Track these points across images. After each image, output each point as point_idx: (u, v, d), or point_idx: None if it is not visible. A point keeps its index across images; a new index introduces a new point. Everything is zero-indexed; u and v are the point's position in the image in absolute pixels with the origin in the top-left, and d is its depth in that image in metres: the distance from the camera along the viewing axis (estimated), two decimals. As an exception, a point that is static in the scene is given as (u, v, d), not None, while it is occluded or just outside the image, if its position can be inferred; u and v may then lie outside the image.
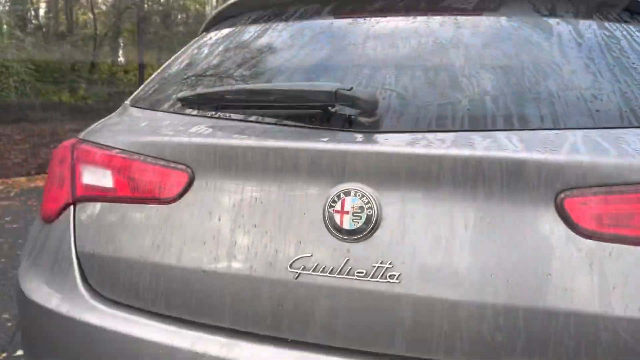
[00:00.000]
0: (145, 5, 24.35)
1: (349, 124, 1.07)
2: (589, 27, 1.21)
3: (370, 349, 0.98)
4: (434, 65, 1.15)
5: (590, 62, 1.10)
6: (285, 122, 1.12)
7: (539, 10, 1.28)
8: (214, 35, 1.60)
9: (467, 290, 0.92)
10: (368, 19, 1.36)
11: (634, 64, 1.13)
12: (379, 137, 1.03)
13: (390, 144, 1.01)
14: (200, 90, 1.31)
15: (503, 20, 1.26)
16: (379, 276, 0.96)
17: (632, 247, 0.88)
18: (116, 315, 1.13)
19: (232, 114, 1.19)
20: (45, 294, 1.23)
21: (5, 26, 14.51)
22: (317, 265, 1.00)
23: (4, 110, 9.53)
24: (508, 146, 0.96)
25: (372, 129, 1.04)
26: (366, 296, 0.98)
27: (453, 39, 1.21)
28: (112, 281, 1.15)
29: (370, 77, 1.14)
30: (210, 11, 26.12)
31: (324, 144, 1.02)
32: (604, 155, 0.93)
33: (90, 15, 22.26)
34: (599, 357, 0.86)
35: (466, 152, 0.95)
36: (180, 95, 1.26)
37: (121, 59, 25.20)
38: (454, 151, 0.96)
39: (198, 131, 1.16)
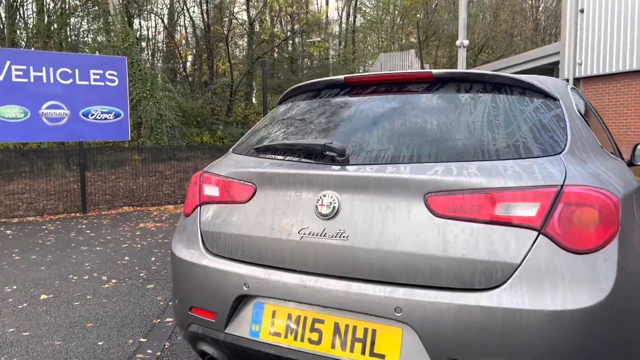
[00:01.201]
0: (275, 54, 26.88)
1: (330, 161, 2.03)
2: (481, 100, 2.06)
3: (334, 273, 1.90)
4: (379, 127, 2.08)
5: (469, 123, 1.95)
6: (301, 159, 2.11)
7: (456, 92, 2.15)
8: (281, 107, 2.65)
9: (379, 243, 1.82)
10: (359, 97, 2.32)
11: (498, 124, 1.96)
12: (343, 167, 1.99)
13: (346, 171, 1.96)
14: (264, 143, 2.35)
15: (432, 98, 2.15)
16: (339, 237, 1.90)
17: (458, 222, 1.73)
18: (216, 261, 2.16)
19: (277, 156, 2.21)
20: (184, 253, 2.32)
21: (160, 80, 17.00)
22: (310, 232, 1.96)
23: (158, 151, 11.55)
24: (402, 172, 1.85)
25: (341, 163, 2.00)
26: (333, 247, 1.92)
27: (395, 110, 2.13)
28: (216, 244, 2.20)
29: (350, 133, 2.11)
30: (331, 57, 28.01)
31: (316, 171, 2.00)
32: (448, 176, 1.79)
33: (228, 64, 25.00)
34: (441, 276, 1.70)
35: (381, 174, 1.87)
36: (254, 146, 2.33)
37: (254, 101, 27.89)
38: (376, 174, 1.88)
39: (260, 165, 2.20)
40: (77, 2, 22.85)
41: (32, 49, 19.64)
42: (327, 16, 32.52)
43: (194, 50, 27.54)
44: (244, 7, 26.38)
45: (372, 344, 1.74)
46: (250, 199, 2.12)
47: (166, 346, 3.21)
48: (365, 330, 1.77)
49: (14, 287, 4.51)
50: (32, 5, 22.93)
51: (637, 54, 13.94)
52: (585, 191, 1.66)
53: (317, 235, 1.90)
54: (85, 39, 23.78)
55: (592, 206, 1.65)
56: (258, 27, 27.01)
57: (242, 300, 2.02)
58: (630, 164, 3.78)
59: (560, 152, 1.82)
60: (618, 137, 14.59)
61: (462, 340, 1.62)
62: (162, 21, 26.40)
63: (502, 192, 1.68)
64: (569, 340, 1.57)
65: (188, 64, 29.15)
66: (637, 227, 1.82)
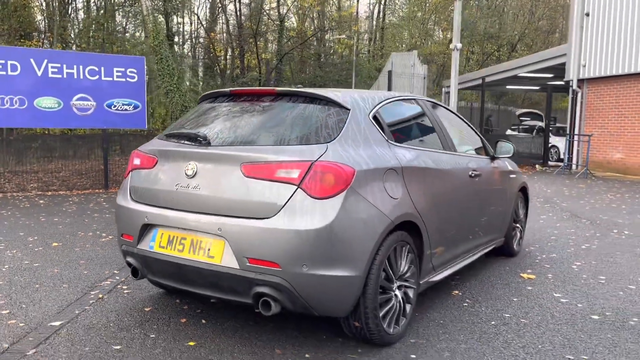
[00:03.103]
0: (303, 51, 28.18)
1: (198, 143, 3.21)
2: (297, 108, 3.20)
3: (192, 209, 3.05)
4: (233, 123, 3.27)
5: (281, 122, 3.12)
6: (184, 142, 3.33)
7: (285, 102, 3.29)
8: (197, 107, 3.86)
9: (215, 192, 2.99)
10: (236, 103, 3.50)
11: (299, 123, 3.12)
12: (203, 147, 3.17)
13: (203, 149, 3.15)
14: (170, 131, 3.58)
15: (270, 105, 3.31)
16: (195, 188, 3.09)
17: (257, 180, 2.89)
18: (134, 204, 3.39)
19: (173, 139, 3.43)
20: (121, 200, 3.57)
21: (201, 74, 18.46)
22: (181, 186, 3.17)
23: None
24: (231, 150, 3.01)
25: (204, 145, 3.18)
26: (192, 195, 3.09)
27: (247, 113, 3.32)
28: (135, 193, 3.43)
29: (219, 126, 3.31)
30: (355, 54, 28.99)
31: (186, 149, 3.21)
32: (254, 153, 2.95)
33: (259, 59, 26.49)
34: (244, 210, 2.87)
35: (219, 151, 3.05)
36: (165, 133, 3.57)
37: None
38: (217, 151, 3.06)
39: (162, 145, 3.43)
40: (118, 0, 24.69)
41: (75, 45, 21.49)
42: (356, 13, 33.45)
43: (227, 46, 29.02)
44: (275, 3, 27.70)
45: (209, 250, 2.97)
46: (154, 166, 3.36)
47: (129, 276, 4.53)
48: (207, 242, 2.99)
49: (35, 238, 5.95)
50: (79, 3, 24.94)
51: (635, 57, 14.52)
52: (328, 164, 2.84)
53: (184, 187, 3.13)
54: (126, 34, 25.62)
55: (330, 173, 2.82)
56: (288, 24, 28.31)
57: (146, 228, 3.27)
58: (493, 157, 4.85)
59: (329, 142, 2.99)
60: (616, 138, 15.23)
61: (253, 247, 2.82)
62: (198, 18, 28.03)
63: (280, 163, 2.87)
64: (310, 245, 2.74)
65: (225, 58, 30.67)
66: (372, 189, 2.98)
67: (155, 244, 3.19)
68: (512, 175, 5.18)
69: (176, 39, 27.07)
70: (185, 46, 29.25)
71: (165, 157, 3.32)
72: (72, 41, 25.19)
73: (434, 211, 3.58)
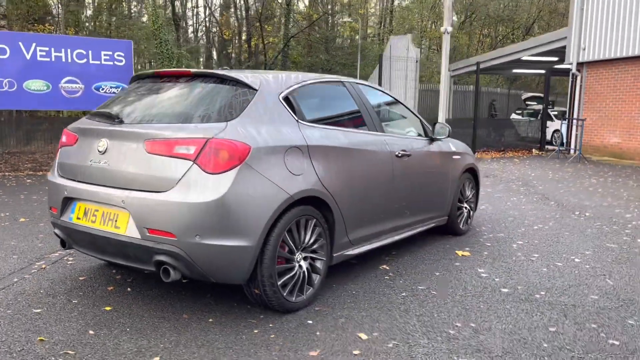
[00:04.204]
0: (310, 34, 28.20)
1: (112, 121, 3.41)
2: (208, 88, 3.39)
3: (103, 183, 3.25)
4: (148, 102, 3.47)
5: (190, 101, 3.32)
6: (101, 120, 3.54)
7: (199, 82, 3.45)
8: (128, 86, 4.07)
9: (120, 167, 3.14)
10: (158, 84, 3.68)
11: (205, 102, 3.31)
12: (114, 125, 3.37)
13: (113, 127, 3.35)
14: (97, 109, 3.80)
15: (185, 86, 3.49)
16: (105, 164, 3.30)
17: (157, 156, 3.09)
18: (59, 179, 3.62)
19: (96, 117, 3.64)
20: (50, 175, 3.81)
21: (202, 59, 18.60)
22: (94, 161, 3.37)
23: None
24: (137, 128, 3.22)
25: (117, 123, 3.38)
26: (103, 169, 3.26)
27: (162, 92, 3.52)
28: (60, 169, 3.66)
29: (135, 104, 3.52)
30: (360, 37, 28.85)
31: (100, 127, 3.41)
32: (157, 130, 3.16)
33: (267, 43, 26.60)
34: (145, 184, 3.10)
35: (126, 129, 3.26)
36: (91, 112, 3.79)
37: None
38: (124, 128, 3.26)
39: (83, 123, 3.64)
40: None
41: (87, 29, 21.82)
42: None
43: (236, 30, 29.15)
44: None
45: (115, 221, 3.20)
46: (75, 143, 3.59)
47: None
48: (114, 214, 3.22)
49: (7, 214, 6.27)
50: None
51: (632, 41, 14.36)
52: (223, 141, 3.03)
53: (97, 163, 3.35)
54: (130, 19, 25.93)
55: (224, 150, 3.02)
56: (295, 7, 28.30)
57: (67, 201, 3.52)
58: (432, 139, 5.00)
59: (229, 120, 3.18)
60: (614, 122, 15.12)
61: (152, 218, 3.04)
62: (206, 2, 28.18)
63: (178, 140, 3.08)
64: (202, 217, 2.95)
65: (232, 42, 30.83)
66: (270, 165, 3.17)
67: (74, 216, 3.43)
68: (455, 157, 5.32)
69: (183, 24, 27.29)
70: (196, 31, 29.55)
71: (83, 135, 3.54)
72: (83, 25, 25.62)
73: (347, 188, 3.77)
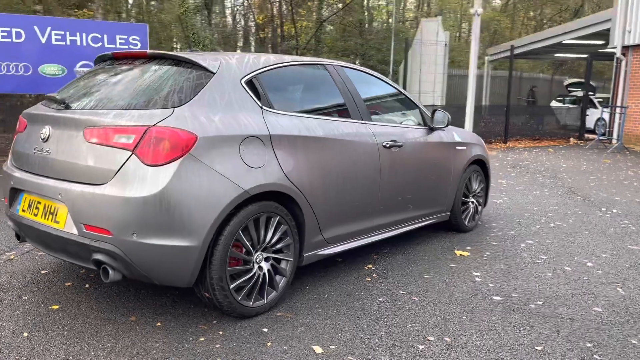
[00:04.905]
0: (343, 18, 27.50)
1: (59, 107, 3.16)
2: (159, 70, 3.07)
3: (44, 174, 2.99)
4: (97, 86, 3.20)
5: (139, 85, 3.02)
6: (50, 106, 3.28)
7: (153, 64, 3.15)
8: (91, 68, 3.80)
9: (60, 155, 2.87)
10: (117, 66, 3.40)
11: (154, 86, 3.01)
12: (59, 111, 3.11)
13: (56, 113, 3.08)
14: (51, 94, 3.56)
15: (138, 68, 3.19)
16: (47, 152, 3.05)
17: (96, 145, 2.80)
18: (10, 168, 3.41)
19: (51, 103, 3.39)
20: (5, 165, 3.60)
21: (253, 43, 18.38)
22: (37, 149, 3.01)
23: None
24: (78, 114, 2.95)
25: (63, 109, 3.12)
26: (45, 158, 2.94)
27: (117, 75, 3.23)
28: (13, 158, 3.45)
29: (88, 88, 3.25)
30: (395, 21, 27.95)
31: (45, 112, 3.16)
32: (96, 117, 2.87)
33: (299, 27, 26.11)
34: (83, 176, 2.81)
35: (66, 115, 2.98)
36: (48, 95, 3.56)
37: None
38: (64, 114, 2.99)
39: (34, 109, 3.40)
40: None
41: (126, 14, 21.94)
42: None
43: (266, 13, 28.84)
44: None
45: (55, 215, 2.96)
46: (25, 129, 3.36)
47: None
48: (54, 207, 2.98)
49: None
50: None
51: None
52: (164, 129, 2.74)
53: (39, 151, 3.11)
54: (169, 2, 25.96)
55: (165, 139, 2.72)
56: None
57: (15, 192, 3.30)
58: (432, 128, 4.60)
59: (177, 106, 2.88)
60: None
61: (89, 213, 2.78)
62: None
63: (117, 128, 2.80)
64: (139, 213, 2.67)
65: (264, 27, 30.55)
66: (221, 157, 2.86)
67: (20, 208, 3.22)
68: (459, 147, 4.88)
69: (216, 9, 27.12)
70: (234, 15, 29.36)
71: (31, 121, 3.31)
72: (122, 10, 25.81)
73: (321, 183, 3.43)
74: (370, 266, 4.08)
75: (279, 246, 3.22)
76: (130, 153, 2.74)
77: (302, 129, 3.35)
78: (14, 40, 9.43)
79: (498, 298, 3.49)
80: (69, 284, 3.58)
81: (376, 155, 3.87)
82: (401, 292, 3.57)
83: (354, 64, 25.60)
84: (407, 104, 4.62)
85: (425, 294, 3.55)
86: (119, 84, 3.20)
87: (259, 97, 3.24)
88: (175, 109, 2.86)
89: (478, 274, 3.96)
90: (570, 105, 19.02)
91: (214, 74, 3.10)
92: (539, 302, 3.43)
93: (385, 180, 3.97)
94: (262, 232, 3.10)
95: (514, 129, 14.97)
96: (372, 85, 4.35)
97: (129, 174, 2.72)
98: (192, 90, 2.99)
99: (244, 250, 3.03)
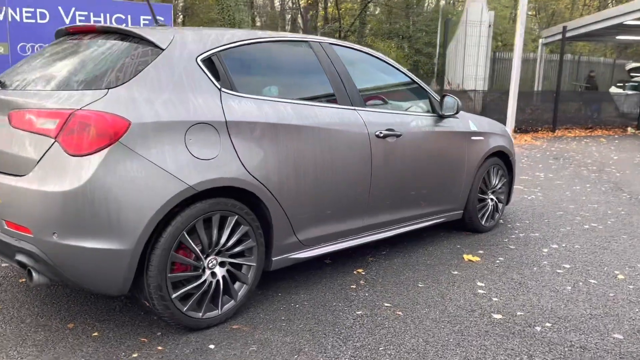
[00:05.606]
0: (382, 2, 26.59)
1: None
2: (105, 45, 2.68)
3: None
4: (40, 65, 2.84)
5: (78, 63, 2.63)
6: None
7: (101, 39, 2.76)
8: (49, 44, 3.45)
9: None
10: (70, 41, 3.03)
11: (93, 65, 2.59)
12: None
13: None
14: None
15: (87, 43, 2.80)
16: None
17: (19, 131, 2.44)
18: None
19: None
20: None
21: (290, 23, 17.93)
22: None
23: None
24: (9, 94, 2.61)
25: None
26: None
27: (64, 51, 2.87)
28: None
29: (29, 68, 2.89)
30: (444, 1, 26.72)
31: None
32: (22, 98, 2.51)
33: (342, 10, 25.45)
34: (7, 165, 2.47)
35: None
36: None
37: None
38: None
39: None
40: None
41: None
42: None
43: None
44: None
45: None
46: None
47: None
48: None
49: None
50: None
51: None
52: (90, 114, 2.35)
53: None
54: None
55: (91, 125, 2.34)
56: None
57: None
58: (442, 116, 4.06)
59: (113, 87, 2.49)
60: None
61: (9, 208, 2.44)
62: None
63: (40, 111, 2.43)
64: (59, 210, 2.30)
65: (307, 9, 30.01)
66: (160, 146, 2.45)
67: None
68: (475, 138, 4.32)
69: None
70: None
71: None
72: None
73: (294, 177, 2.98)
74: (360, 270, 3.62)
75: (238, 249, 2.81)
76: (52, 140, 2.37)
77: (270, 116, 2.91)
78: (39, 21, 9.33)
79: (499, 316, 2.97)
80: (23, 280, 3.30)
81: (367, 146, 3.38)
82: (385, 304, 3.10)
83: (400, 47, 24.67)
84: (414, 89, 4.08)
85: (413, 307, 3.06)
86: (59, 62, 2.85)
87: (218, 78, 2.81)
88: (110, 90, 2.48)
89: (482, 284, 3.44)
90: (630, 92, 17.64)
91: (162, 50, 2.69)
92: (547, 324, 2.89)
93: (378, 174, 3.48)
94: (216, 234, 2.69)
95: (564, 117, 13.97)
96: (371, 67, 3.85)
97: (50, 165, 2.36)
98: (134, 69, 2.59)
99: (192, 254, 2.63)
